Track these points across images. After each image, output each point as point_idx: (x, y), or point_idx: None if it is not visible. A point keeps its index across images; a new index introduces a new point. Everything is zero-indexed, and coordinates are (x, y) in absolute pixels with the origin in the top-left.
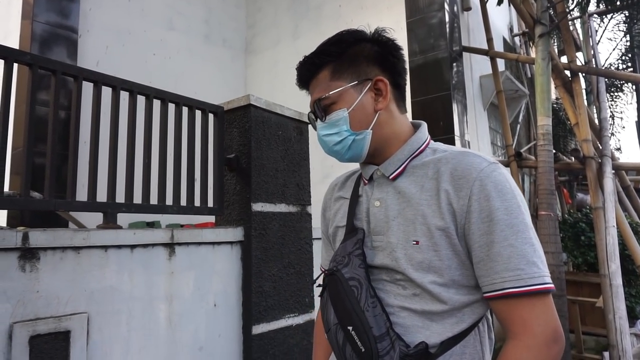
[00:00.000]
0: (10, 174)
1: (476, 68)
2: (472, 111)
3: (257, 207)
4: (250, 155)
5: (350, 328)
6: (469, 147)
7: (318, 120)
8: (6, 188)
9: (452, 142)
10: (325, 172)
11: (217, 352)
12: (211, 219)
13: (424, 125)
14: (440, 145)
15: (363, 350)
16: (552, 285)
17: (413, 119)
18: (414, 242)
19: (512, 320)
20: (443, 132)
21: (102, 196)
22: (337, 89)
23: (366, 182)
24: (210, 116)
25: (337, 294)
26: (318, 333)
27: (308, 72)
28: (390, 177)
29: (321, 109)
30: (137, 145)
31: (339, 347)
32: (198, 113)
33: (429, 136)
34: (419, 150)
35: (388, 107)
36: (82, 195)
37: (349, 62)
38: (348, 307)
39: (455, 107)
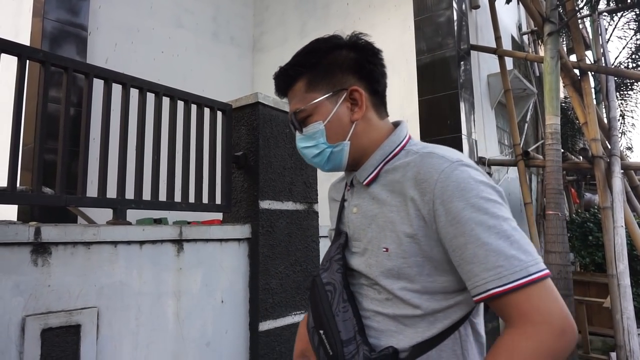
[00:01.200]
0: (21, 170)
1: (484, 66)
2: (480, 110)
3: (265, 204)
4: (258, 153)
5: (321, 332)
6: (476, 146)
7: (297, 131)
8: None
9: (460, 141)
10: None
11: (224, 348)
12: (218, 216)
13: (401, 126)
14: (414, 146)
15: (331, 353)
16: (542, 273)
17: (420, 117)
18: (384, 249)
19: (509, 316)
20: (450, 130)
21: (111, 192)
22: (312, 102)
23: (349, 187)
24: (219, 114)
25: (314, 298)
26: (300, 330)
27: (284, 83)
28: (364, 183)
29: (298, 121)
30: (147, 142)
31: (315, 349)
32: (207, 111)
33: (408, 136)
34: (392, 154)
35: (365, 115)
36: (91, 191)
37: (324, 72)
38: (320, 312)
39: (462, 105)
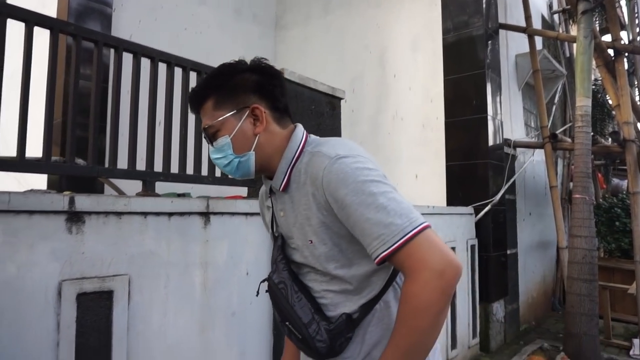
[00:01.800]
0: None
1: (512, 46)
2: (507, 91)
3: None
4: None
5: (287, 323)
6: (502, 128)
7: (209, 145)
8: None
9: (485, 122)
10: None
11: (248, 318)
12: (241, 191)
13: (297, 131)
14: (309, 146)
15: (300, 337)
16: (417, 228)
17: (445, 97)
18: (310, 242)
19: (403, 271)
20: (475, 111)
21: (140, 166)
22: (219, 118)
23: (269, 195)
24: None
25: (273, 297)
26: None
27: (196, 103)
28: (280, 190)
29: (209, 136)
30: (175, 116)
31: (289, 337)
32: None
33: (304, 137)
34: (295, 158)
35: (267, 128)
36: (120, 164)
37: (229, 93)
38: (281, 307)
39: (489, 86)
